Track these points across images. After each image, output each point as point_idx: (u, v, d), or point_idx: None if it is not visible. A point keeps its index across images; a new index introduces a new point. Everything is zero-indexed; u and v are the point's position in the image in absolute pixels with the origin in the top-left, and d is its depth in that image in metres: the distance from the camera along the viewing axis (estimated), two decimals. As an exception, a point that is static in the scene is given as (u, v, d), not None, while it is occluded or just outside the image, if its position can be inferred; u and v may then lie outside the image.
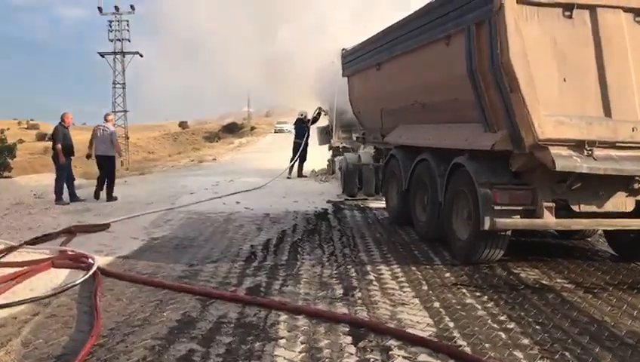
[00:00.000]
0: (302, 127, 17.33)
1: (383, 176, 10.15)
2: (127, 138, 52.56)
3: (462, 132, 7.05)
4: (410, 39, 8.47)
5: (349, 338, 4.50)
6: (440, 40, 7.40)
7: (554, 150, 5.69)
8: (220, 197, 12.75)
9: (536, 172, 6.26)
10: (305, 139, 17.08)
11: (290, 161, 17.19)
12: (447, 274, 6.36)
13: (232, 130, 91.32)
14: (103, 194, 12.16)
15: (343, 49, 12.95)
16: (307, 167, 17.74)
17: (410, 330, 4.67)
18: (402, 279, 6.18)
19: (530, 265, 6.79)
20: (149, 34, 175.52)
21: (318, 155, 18.02)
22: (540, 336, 4.60)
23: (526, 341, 4.50)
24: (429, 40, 7.78)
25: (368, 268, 6.64)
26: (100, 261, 6.76)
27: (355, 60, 11.66)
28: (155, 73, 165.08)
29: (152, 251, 7.62)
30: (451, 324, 4.84)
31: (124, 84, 51.72)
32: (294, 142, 17.29)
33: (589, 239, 8.34)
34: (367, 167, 12.36)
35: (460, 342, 4.47)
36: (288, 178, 16.74)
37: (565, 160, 5.68)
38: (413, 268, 6.60)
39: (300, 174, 17.03)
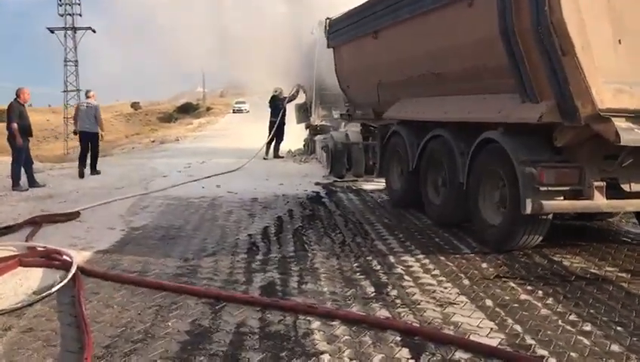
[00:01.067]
0: (277, 104, 16.30)
1: (382, 156, 9.32)
2: (81, 119, 50.14)
3: (492, 103, 6.26)
4: (417, 1, 7.61)
5: (405, 351, 3.68)
6: (459, 0, 6.58)
7: (616, 122, 4.95)
8: (196, 181, 11.72)
9: (583, 148, 5.54)
10: (281, 117, 16.07)
11: (267, 141, 16.18)
12: (484, 265, 5.59)
13: (188, 110, 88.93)
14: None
15: (328, 18, 11.99)
16: (283, 147, 16.74)
17: (474, 337, 3.88)
18: (436, 272, 5.38)
19: (568, 251, 6.09)
20: (98, 9, 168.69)
21: (292, 134, 17.07)
22: (628, 340, 3.87)
23: (616, 347, 3.76)
24: (443, 1, 6.95)
25: (391, 259, 5.82)
26: (78, 257, 5.73)
27: (345, 29, 10.74)
28: (105, 51, 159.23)
29: (135, 244, 6.61)
30: (518, 328, 4.07)
31: (76, 61, 49.06)
32: (270, 121, 16.26)
33: (611, 220, 7.72)
34: (357, 146, 11.54)
35: (540, 351, 3.70)
36: (265, 159, 15.77)
37: (629, 133, 4.94)
38: (442, 258, 5.81)
39: (276, 155, 16.07)
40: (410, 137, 8.19)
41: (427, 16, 7.49)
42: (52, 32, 49.18)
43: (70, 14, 48.53)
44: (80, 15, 49.28)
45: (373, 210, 8.47)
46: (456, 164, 6.83)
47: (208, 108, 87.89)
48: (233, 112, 71.33)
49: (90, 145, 12.74)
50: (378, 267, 5.54)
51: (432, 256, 5.92)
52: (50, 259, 5.73)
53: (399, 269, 5.46)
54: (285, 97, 16.34)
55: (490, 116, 6.11)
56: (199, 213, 8.41)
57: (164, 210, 8.69)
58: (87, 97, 13.13)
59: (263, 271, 5.47)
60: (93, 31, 49.75)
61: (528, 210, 5.49)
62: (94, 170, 12.77)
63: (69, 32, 48.35)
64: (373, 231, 7.05)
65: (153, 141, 29.22)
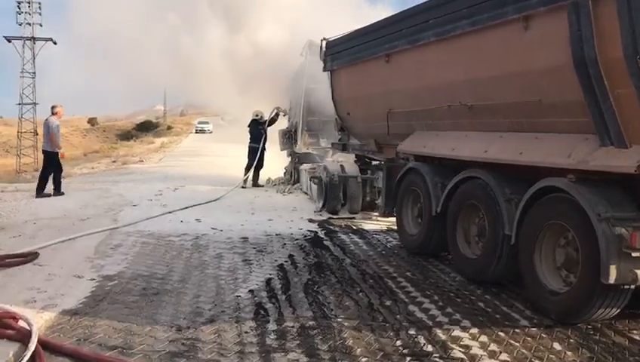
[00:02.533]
0: (258, 129, 15.05)
1: (394, 194, 8.22)
2: (37, 134, 47.46)
3: (554, 144, 5.26)
4: (449, 23, 6.64)
5: None
6: (511, 22, 5.61)
7: None
8: (172, 213, 10.36)
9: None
10: (262, 143, 14.83)
11: (246, 168, 14.89)
12: (557, 346, 4.51)
13: (147, 128, 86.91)
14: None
15: (324, 39, 10.95)
16: (261, 175, 15.47)
17: None
18: (505, 357, 4.25)
19: (642, 325, 5.06)
20: (55, 21, 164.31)
21: (268, 160, 15.76)
22: None
23: None
24: (487, 22, 5.98)
25: (440, 333, 4.68)
26: (38, 323, 4.39)
27: (347, 52, 9.72)
28: (62, 64, 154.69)
29: (110, 301, 5.29)
30: None
31: (34, 73, 46.72)
32: (250, 147, 14.99)
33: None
34: (354, 179, 10.44)
35: None
36: (243, 187, 14.48)
37: None
38: (502, 334, 4.70)
39: (255, 183, 14.79)
40: (434, 176, 7.13)
41: (461, 40, 6.51)
42: (9, 41, 46.83)
43: (29, 24, 46.34)
44: (40, 25, 47.17)
45: (388, 258, 7.32)
46: (500, 212, 5.77)
47: (169, 127, 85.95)
48: (196, 132, 69.68)
49: (49, 166, 12.34)
50: (429, 347, 4.38)
51: (486, 329, 4.80)
52: (1, 326, 4.36)
53: (457, 351, 4.31)
54: (266, 120, 15.13)
55: (558, 161, 5.08)
56: (183, 256, 7.11)
57: (140, 250, 7.35)
58: (52, 113, 12.40)
59: (282, 349, 4.25)
60: (54, 42, 47.59)
61: (612, 279, 4.46)
62: (56, 191, 12.15)
63: (28, 43, 46.09)
64: (399, 290, 5.90)
65: (114, 161, 27.52)
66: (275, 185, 15.28)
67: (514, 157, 5.67)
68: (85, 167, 24.89)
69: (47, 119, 12.47)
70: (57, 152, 12.26)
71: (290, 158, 15.67)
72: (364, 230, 9.21)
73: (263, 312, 5.08)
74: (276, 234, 8.60)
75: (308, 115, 13.90)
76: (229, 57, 23.43)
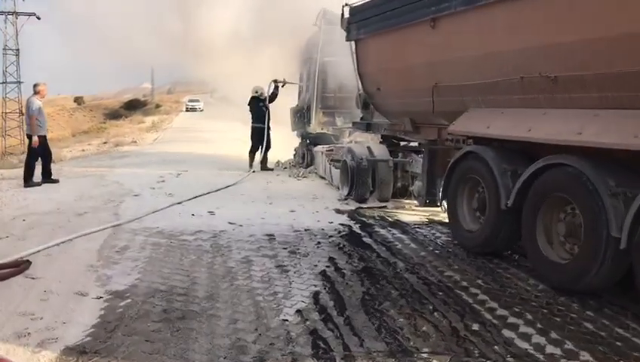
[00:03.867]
0: (259, 107, 13.75)
1: (445, 182, 7.07)
2: (22, 114, 45.67)
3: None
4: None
5: None
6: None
7: None
8: (180, 204, 9.18)
9: None
10: (267, 122, 13.58)
11: (251, 151, 13.67)
12: None
13: (135, 107, 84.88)
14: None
15: (346, 4, 9.73)
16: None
17: None
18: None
19: None
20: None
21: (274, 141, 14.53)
22: None
23: None
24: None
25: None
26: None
27: (378, 18, 8.54)
28: (45, 41, 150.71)
29: (125, 331, 4.14)
30: None
31: (17, 50, 44.77)
32: (253, 127, 13.75)
33: None
34: (385, 163, 9.28)
35: None
36: (252, 172, 13.26)
37: None
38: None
39: (264, 166, 13.57)
40: (501, 162, 5.99)
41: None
42: (-10, 16, 44.85)
43: (11, -3, 44.27)
44: (22, -1, 45.08)
45: (446, 260, 6.21)
46: (603, 209, 4.65)
47: (157, 106, 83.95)
48: (186, 110, 68.20)
49: (33, 150, 11.01)
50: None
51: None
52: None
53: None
54: (266, 97, 13.82)
55: None
56: (204, 261, 5.96)
57: (151, 254, 6.19)
58: (34, 92, 11.12)
59: (367, 407, 3.12)
60: (38, 17, 45.56)
61: None
62: (45, 178, 11.00)
63: (10, 17, 44.06)
64: (480, 306, 4.79)
65: (105, 142, 26.18)
66: (285, 168, 14.12)
67: (628, 140, 4.53)
68: (75, 149, 23.60)
69: (28, 99, 11.24)
70: (41, 136, 10.93)
71: (300, 139, 14.48)
72: (403, 222, 8.08)
73: (323, 345, 3.96)
74: (305, 230, 7.45)
75: (323, 92, 12.66)
76: (229, 28, 22.10)
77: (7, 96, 44.44)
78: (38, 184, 10.82)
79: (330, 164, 11.09)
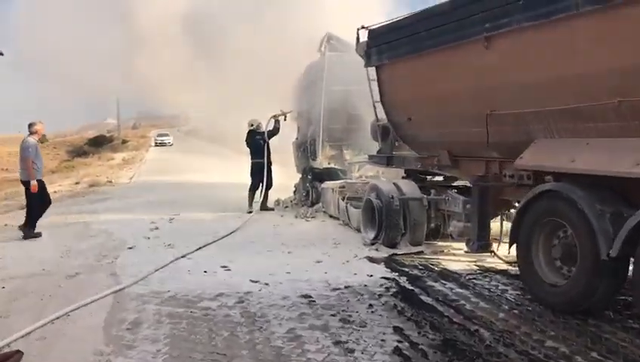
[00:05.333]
0: (257, 140, 12.64)
1: (515, 226, 6.02)
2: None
3: None
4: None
5: None
6: None
7: None
8: (185, 257, 7.96)
9: None
10: (267, 157, 12.46)
11: (251, 189, 12.49)
12: None
13: (100, 143, 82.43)
14: None
15: (363, 27, 8.81)
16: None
17: None
18: None
19: None
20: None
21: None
22: None
23: None
24: None
25: None
26: None
27: (408, 40, 7.57)
28: (4, 78, 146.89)
29: None
30: None
31: (-21, 89, 42.79)
32: (253, 163, 12.60)
33: None
34: (418, 202, 8.24)
35: None
36: (249, 212, 12.08)
37: None
38: None
39: (264, 206, 12.39)
40: (596, 203, 4.97)
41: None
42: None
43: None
44: (-16, 36, 43.25)
45: (532, 323, 5.13)
46: None
47: (124, 141, 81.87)
48: (155, 145, 66.64)
49: (27, 197, 9.91)
50: None
51: None
52: None
53: None
54: (264, 131, 12.71)
55: None
56: (241, 339, 4.77)
57: (172, 331, 4.96)
58: (29, 132, 9.84)
59: None
60: (1, 54, 43.63)
61: None
62: (28, 232, 9.53)
63: (-28, 55, 42.12)
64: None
65: (78, 183, 24.57)
66: (287, 207, 12.95)
67: None
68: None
69: (23, 140, 9.83)
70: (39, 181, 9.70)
71: (302, 174, 13.37)
72: (453, 272, 6.99)
73: None
74: (345, 287, 6.30)
75: (329, 123, 11.64)
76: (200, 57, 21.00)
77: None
78: (39, 235, 9.55)
79: (345, 203, 9.98)
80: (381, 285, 6.39)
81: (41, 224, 10.99)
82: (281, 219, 11.43)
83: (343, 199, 10.27)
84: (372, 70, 8.98)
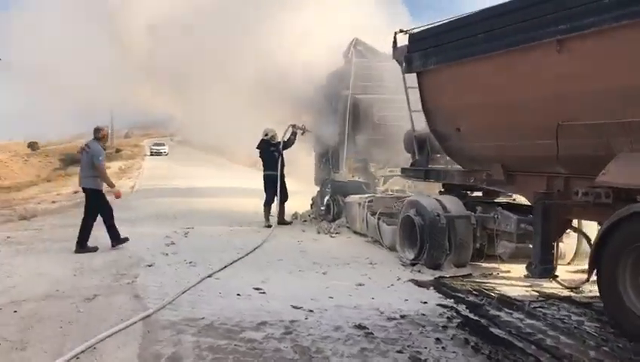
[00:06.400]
0: (271, 152, 11.91)
1: (597, 251, 5.38)
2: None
3: None
4: None
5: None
6: None
7: None
8: (211, 276, 7.27)
9: None
10: (281, 169, 11.76)
11: (266, 204, 11.80)
12: None
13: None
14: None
15: (401, 30, 8.22)
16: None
17: None
18: None
19: None
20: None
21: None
22: None
23: None
24: None
25: None
26: None
27: (459, 43, 6.94)
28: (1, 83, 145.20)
29: None
30: None
31: (-27, 94, 41.78)
32: (265, 176, 11.88)
33: None
34: (465, 221, 7.61)
35: None
36: (267, 226, 11.40)
37: None
38: None
39: (282, 220, 11.69)
40: None
41: None
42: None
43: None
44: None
45: (633, 364, 4.47)
46: None
47: (117, 150, 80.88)
48: (151, 154, 65.96)
49: (90, 206, 9.10)
50: None
51: None
52: None
53: None
54: (279, 142, 12.01)
55: None
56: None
57: (219, 372, 4.25)
58: (95, 137, 9.14)
59: None
60: (-2, 58, 42.74)
61: None
62: (117, 240, 9.05)
63: (-34, 60, 41.23)
64: None
65: (77, 192, 23.76)
66: (305, 221, 12.27)
67: None
68: (44, 200, 21.18)
69: (87, 145, 9.09)
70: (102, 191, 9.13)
71: (320, 187, 12.72)
72: (513, 299, 6.33)
73: None
74: (401, 316, 5.63)
75: (354, 133, 11.00)
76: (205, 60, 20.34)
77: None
78: (95, 249, 8.86)
79: (377, 219, 9.32)
80: (441, 314, 5.72)
81: (45, 234, 10.32)
82: (303, 234, 10.74)
83: (372, 214, 9.60)
84: (410, 77, 8.39)
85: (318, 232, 10.78)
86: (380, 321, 5.48)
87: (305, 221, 12.28)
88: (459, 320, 5.52)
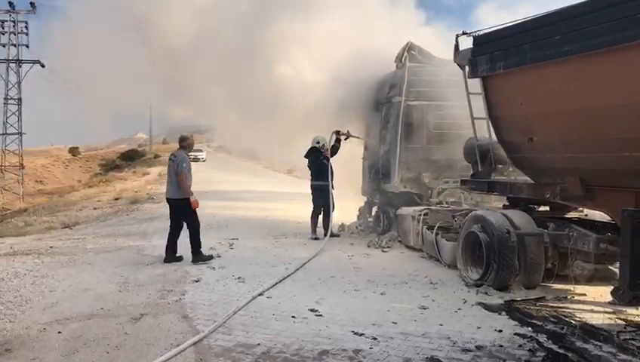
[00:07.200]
0: (321, 161, 11.39)
1: None
2: (22, 167, 43.34)
3: None
4: None
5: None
6: None
7: None
8: (263, 294, 6.81)
9: None
10: (330, 179, 11.25)
11: (313, 215, 11.32)
12: None
13: (132, 157, 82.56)
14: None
15: (464, 33, 7.69)
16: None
17: None
18: None
19: None
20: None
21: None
22: None
23: None
24: None
25: None
26: None
27: (537, 45, 6.36)
28: (41, 90, 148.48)
29: None
30: None
31: (19, 99, 42.61)
32: (314, 186, 11.38)
33: None
34: (537, 239, 6.98)
35: None
36: (315, 238, 10.93)
37: None
38: None
39: (330, 232, 11.13)
40: None
41: None
42: (-8, 63, 42.88)
43: (15, 45, 42.39)
44: (27, 46, 43.24)
45: None
46: None
47: (156, 156, 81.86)
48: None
49: (177, 218, 8.76)
50: None
51: None
52: None
53: None
54: (327, 149, 11.48)
55: None
56: None
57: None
58: (180, 147, 8.98)
59: None
60: (42, 65, 43.58)
61: None
62: (198, 256, 8.59)
63: (13, 65, 42.09)
64: None
65: (117, 198, 23.84)
66: (352, 233, 11.75)
67: None
68: (85, 207, 21.18)
69: (173, 154, 8.87)
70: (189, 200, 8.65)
71: (367, 198, 12.20)
72: (599, 329, 5.70)
73: None
74: (477, 347, 5.06)
75: (407, 142, 10.45)
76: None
77: (7, 147, 42.06)
78: (180, 259, 8.64)
79: (435, 234, 8.75)
80: (520, 346, 5.14)
81: (89, 246, 10.06)
82: (353, 247, 10.22)
83: (429, 229, 9.04)
84: (472, 83, 7.85)
85: (369, 246, 10.25)
86: (454, 353, 4.94)
87: (352, 233, 11.76)
88: (542, 354, 4.94)
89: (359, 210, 12.55)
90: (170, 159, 8.89)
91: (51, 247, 9.92)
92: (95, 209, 20.19)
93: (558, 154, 6.51)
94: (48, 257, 8.97)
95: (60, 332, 5.36)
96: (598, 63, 5.66)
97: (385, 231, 10.92)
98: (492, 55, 7.10)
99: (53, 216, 17.09)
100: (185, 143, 8.93)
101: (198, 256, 8.58)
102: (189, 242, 8.63)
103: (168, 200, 8.92)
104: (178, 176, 8.56)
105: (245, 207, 16.60)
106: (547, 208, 7.92)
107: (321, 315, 6.02)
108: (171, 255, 8.65)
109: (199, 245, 8.66)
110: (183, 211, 8.67)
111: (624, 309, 6.25)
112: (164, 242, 9.93)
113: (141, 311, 6.02)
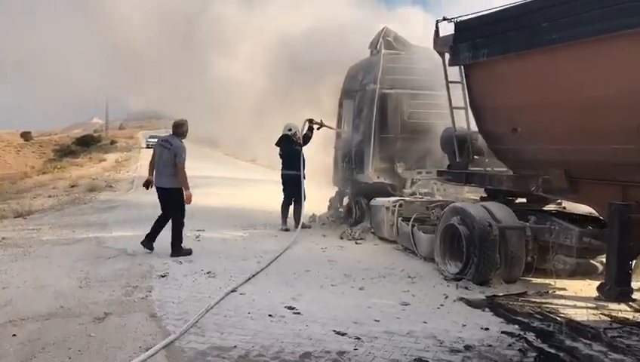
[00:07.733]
0: (293, 149, 10.98)
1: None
2: None
3: None
4: None
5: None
6: None
7: None
8: (235, 291, 6.46)
9: None
10: (302, 168, 10.89)
11: (283, 205, 10.97)
12: None
13: (88, 143, 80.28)
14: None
15: (445, 18, 7.46)
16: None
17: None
18: None
19: None
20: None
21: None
22: None
23: None
24: None
25: None
26: None
27: (524, 31, 6.14)
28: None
29: None
30: None
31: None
32: (285, 175, 11.01)
33: None
34: (518, 232, 6.82)
35: None
36: (286, 230, 10.59)
37: None
38: None
39: (301, 223, 10.76)
40: None
41: None
42: None
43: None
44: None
45: None
46: None
47: (112, 142, 79.82)
48: (147, 147, 64.86)
49: (167, 208, 8.30)
50: None
51: None
52: None
53: None
54: (299, 138, 11.08)
55: None
56: None
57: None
58: (174, 133, 8.44)
59: None
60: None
61: None
62: (177, 250, 8.08)
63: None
64: None
65: (74, 186, 22.95)
66: (324, 224, 11.45)
67: None
68: (40, 195, 20.25)
69: (167, 140, 8.33)
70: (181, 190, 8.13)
71: (338, 188, 11.92)
72: (585, 326, 5.55)
73: None
74: (465, 348, 4.85)
75: (381, 132, 10.18)
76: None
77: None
78: (189, 252, 8.18)
79: (411, 226, 8.52)
80: (510, 345, 4.95)
81: (46, 237, 9.49)
82: (325, 239, 9.94)
83: (404, 220, 8.81)
84: (452, 71, 7.63)
85: (342, 238, 9.98)
86: (442, 354, 4.70)
87: (324, 224, 11.47)
88: (534, 354, 4.75)
89: (330, 201, 12.25)
90: (160, 145, 8.31)
91: (3, 238, 9.28)
92: (50, 197, 19.30)
93: (542, 146, 6.34)
94: (0, 250, 8.37)
95: (14, 334, 4.89)
96: (586, 52, 5.49)
97: (357, 222, 10.67)
98: (475, 42, 6.88)
99: (5, 204, 16.15)
100: (180, 130, 8.37)
101: (177, 250, 8.10)
102: (171, 234, 8.15)
103: (158, 188, 8.35)
104: (177, 165, 8.05)
105: (210, 195, 16.04)
106: (524, 200, 7.81)
107: (299, 313, 5.71)
108: (149, 241, 8.22)
109: (181, 239, 8.22)
110: (172, 201, 8.20)
111: (606, 304, 6.13)
112: (126, 233, 9.48)
113: (105, 310, 5.58)
